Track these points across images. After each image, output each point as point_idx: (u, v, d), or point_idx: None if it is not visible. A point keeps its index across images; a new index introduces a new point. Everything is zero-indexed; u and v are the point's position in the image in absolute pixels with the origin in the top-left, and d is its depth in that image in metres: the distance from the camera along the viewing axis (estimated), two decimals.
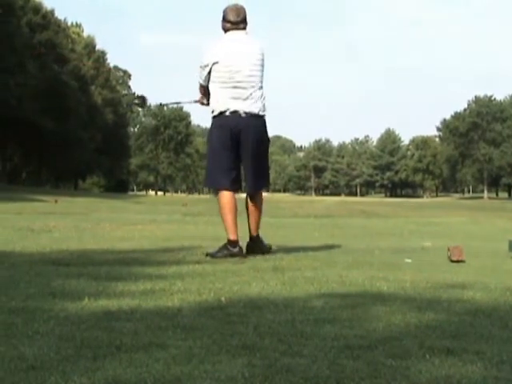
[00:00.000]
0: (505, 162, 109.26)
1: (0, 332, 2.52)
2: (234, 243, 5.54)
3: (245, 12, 5.74)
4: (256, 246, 5.77)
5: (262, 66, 5.74)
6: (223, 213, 5.61)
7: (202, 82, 5.81)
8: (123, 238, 8.02)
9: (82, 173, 77.23)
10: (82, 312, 2.94)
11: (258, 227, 5.80)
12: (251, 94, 5.63)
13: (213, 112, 5.76)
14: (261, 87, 5.73)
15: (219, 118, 5.71)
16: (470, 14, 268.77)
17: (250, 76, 5.63)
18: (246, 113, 5.61)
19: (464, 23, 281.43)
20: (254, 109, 5.65)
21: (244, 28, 5.74)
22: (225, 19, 5.72)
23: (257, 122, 5.70)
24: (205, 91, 5.87)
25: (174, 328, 2.64)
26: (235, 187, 5.74)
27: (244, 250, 5.67)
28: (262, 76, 5.76)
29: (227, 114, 5.64)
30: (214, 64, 5.63)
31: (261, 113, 5.70)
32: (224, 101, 5.64)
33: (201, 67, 5.73)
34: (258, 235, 5.83)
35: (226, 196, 5.63)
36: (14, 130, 57.76)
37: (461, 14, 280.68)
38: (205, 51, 5.75)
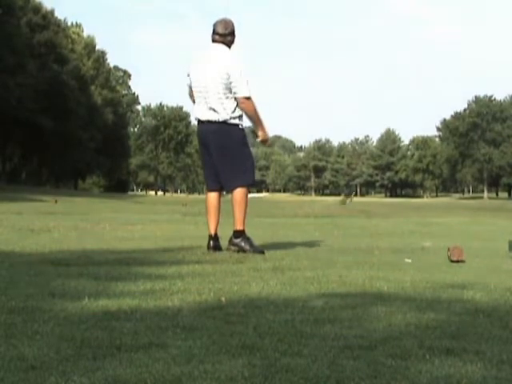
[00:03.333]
0: (505, 162, 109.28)
1: (0, 332, 2.52)
2: (210, 237, 6.05)
3: (233, 26, 6.09)
4: (235, 242, 5.94)
5: (230, 78, 5.84)
6: (206, 212, 6.19)
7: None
8: (123, 238, 8.03)
9: (82, 173, 77.19)
10: (81, 312, 2.94)
11: (239, 223, 5.95)
12: (207, 102, 5.92)
13: None
14: (227, 97, 5.87)
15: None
16: (470, 14, 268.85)
17: (207, 87, 5.89)
18: (207, 121, 5.98)
19: (464, 23, 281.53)
20: (212, 116, 5.92)
21: (231, 40, 6.05)
22: (214, 31, 6.05)
23: (216, 128, 5.94)
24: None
25: (173, 328, 2.64)
26: (217, 187, 6.11)
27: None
28: (229, 87, 5.86)
29: (197, 121, 6.11)
30: (188, 75, 6.08)
31: (220, 119, 5.91)
32: (195, 108, 6.08)
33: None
34: (239, 230, 5.96)
35: (208, 197, 6.18)
36: (14, 130, 57.76)
37: (461, 13, 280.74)
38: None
